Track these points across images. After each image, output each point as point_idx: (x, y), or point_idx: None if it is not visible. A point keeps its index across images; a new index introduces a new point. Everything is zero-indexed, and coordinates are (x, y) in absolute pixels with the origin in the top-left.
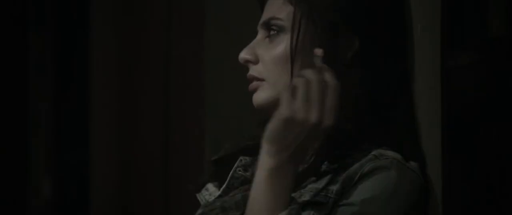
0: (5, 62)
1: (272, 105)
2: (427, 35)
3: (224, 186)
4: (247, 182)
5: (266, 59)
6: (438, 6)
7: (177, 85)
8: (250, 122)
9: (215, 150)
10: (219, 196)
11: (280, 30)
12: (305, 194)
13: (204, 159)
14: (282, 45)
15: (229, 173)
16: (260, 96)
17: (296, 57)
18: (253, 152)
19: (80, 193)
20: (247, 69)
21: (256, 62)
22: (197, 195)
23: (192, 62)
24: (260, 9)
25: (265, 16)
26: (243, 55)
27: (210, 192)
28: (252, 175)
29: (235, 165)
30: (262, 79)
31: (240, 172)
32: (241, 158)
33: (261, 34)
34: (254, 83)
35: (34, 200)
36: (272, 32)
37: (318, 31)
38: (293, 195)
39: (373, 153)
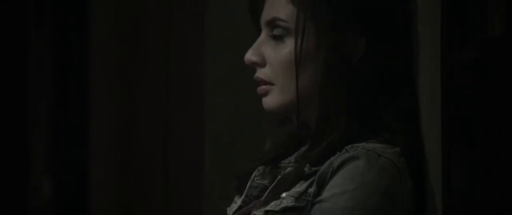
0: (5, 62)
1: (282, 111)
2: (427, 35)
3: (243, 196)
4: (266, 189)
5: (273, 63)
6: (438, 6)
7: (177, 85)
8: (250, 122)
9: (215, 150)
10: (240, 206)
11: (285, 31)
12: (285, 200)
13: (204, 158)
14: (288, 48)
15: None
16: (271, 101)
17: (302, 61)
18: (271, 162)
19: (80, 193)
20: (251, 69)
21: (263, 64)
22: (227, 209)
23: (192, 61)
24: (250, 6)
25: (267, 14)
26: (249, 57)
27: (237, 204)
28: (271, 181)
29: (253, 175)
30: (270, 83)
31: (258, 181)
32: (259, 167)
33: (265, 32)
34: (264, 87)
35: (34, 200)
36: (276, 32)
37: (322, 33)
38: (273, 202)
39: (346, 147)
